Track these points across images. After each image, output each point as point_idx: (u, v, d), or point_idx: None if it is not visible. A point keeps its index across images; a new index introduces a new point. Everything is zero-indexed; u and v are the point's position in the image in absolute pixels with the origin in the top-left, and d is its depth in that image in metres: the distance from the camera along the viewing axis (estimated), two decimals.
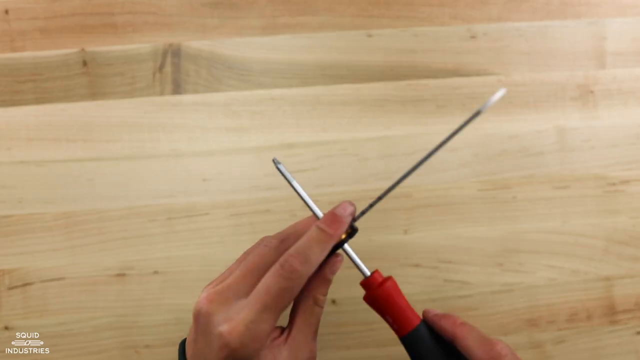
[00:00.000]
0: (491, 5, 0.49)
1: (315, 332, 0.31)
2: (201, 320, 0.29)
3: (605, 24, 0.49)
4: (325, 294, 0.31)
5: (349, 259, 0.34)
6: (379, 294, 0.32)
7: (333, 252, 0.32)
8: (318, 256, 0.29)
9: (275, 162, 0.34)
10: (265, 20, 0.48)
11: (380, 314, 0.33)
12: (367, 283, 0.33)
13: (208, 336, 0.29)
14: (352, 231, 0.32)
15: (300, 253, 0.29)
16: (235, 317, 0.28)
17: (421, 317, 0.34)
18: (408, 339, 0.32)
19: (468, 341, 0.30)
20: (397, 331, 0.33)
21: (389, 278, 0.33)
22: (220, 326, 0.28)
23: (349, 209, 0.31)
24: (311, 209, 0.34)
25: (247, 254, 0.32)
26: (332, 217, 0.31)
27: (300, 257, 0.29)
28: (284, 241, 0.32)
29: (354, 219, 0.32)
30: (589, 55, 0.49)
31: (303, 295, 0.31)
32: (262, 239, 0.32)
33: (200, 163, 0.46)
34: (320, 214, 0.33)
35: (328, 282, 0.32)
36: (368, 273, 0.33)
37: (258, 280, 0.29)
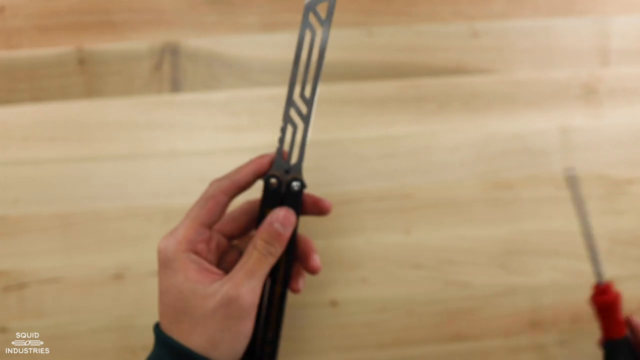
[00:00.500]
0: (494, 2, 0.48)
1: (252, 275, 0.31)
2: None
3: (610, 22, 0.48)
4: (266, 241, 0.31)
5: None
6: (611, 301, 0.39)
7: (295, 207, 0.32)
8: (232, 174, 0.33)
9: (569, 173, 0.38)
10: (264, 18, 0.47)
11: (600, 317, 0.40)
12: (604, 289, 0.39)
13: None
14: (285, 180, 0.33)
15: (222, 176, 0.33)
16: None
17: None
18: (610, 345, 0.39)
19: None
20: (604, 334, 0.40)
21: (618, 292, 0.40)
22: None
23: (265, 158, 0.34)
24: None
25: None
26: (258, 156, 0.34)
27: (218, 178, 0.33)
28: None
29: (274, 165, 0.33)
30: (593, 54, 0.48)
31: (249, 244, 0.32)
32: None
33: (198, 162, 0.46)
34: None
35: (272, 230, 0.31)
36: (605, 280, 0.40)
37: None
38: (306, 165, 0.46)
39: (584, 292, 0.46)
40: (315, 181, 0.46)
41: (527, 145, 0.47)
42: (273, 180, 0.32)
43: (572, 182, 0.40)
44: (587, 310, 0.46)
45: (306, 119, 0.33)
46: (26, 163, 0.46)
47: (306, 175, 0.46)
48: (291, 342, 0.45)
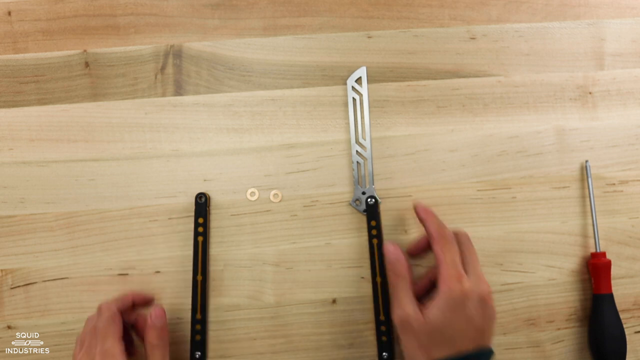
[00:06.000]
0: (491, 6, 0.49)
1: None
2: None
3: (604, 25, 0.49)
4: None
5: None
6: (603, 265, 0.46)
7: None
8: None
9: None
10: (265, 22, 0.48)
11: (593, 276, 0.46)
12: (599, 255, 0.46)
13: None
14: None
15: None
16: None
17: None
18: (599, 298, 0.45)
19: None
20: (595, 290, 0.46)
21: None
22: None
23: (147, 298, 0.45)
24: None
25: None
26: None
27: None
28: None
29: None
30: (588, 56, 0.49)
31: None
32: None
33: (201, 163, 0.47)
34: None
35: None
36: (600, 250, 0.47)
37: None
38: (307, 166, 0.47)
39: (579, 291, 0.47)
40: (315, 182, 0.47)
41: (523, 146, 0.48)
42: (357, 201, 0.46)
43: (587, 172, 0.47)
44: (583, 309, 0.47)
45: (369, 155, 0.46)
46: (32, 164, 0.46)
47: (306, 175, 0.47)
48: (291, 340, 0.46)
